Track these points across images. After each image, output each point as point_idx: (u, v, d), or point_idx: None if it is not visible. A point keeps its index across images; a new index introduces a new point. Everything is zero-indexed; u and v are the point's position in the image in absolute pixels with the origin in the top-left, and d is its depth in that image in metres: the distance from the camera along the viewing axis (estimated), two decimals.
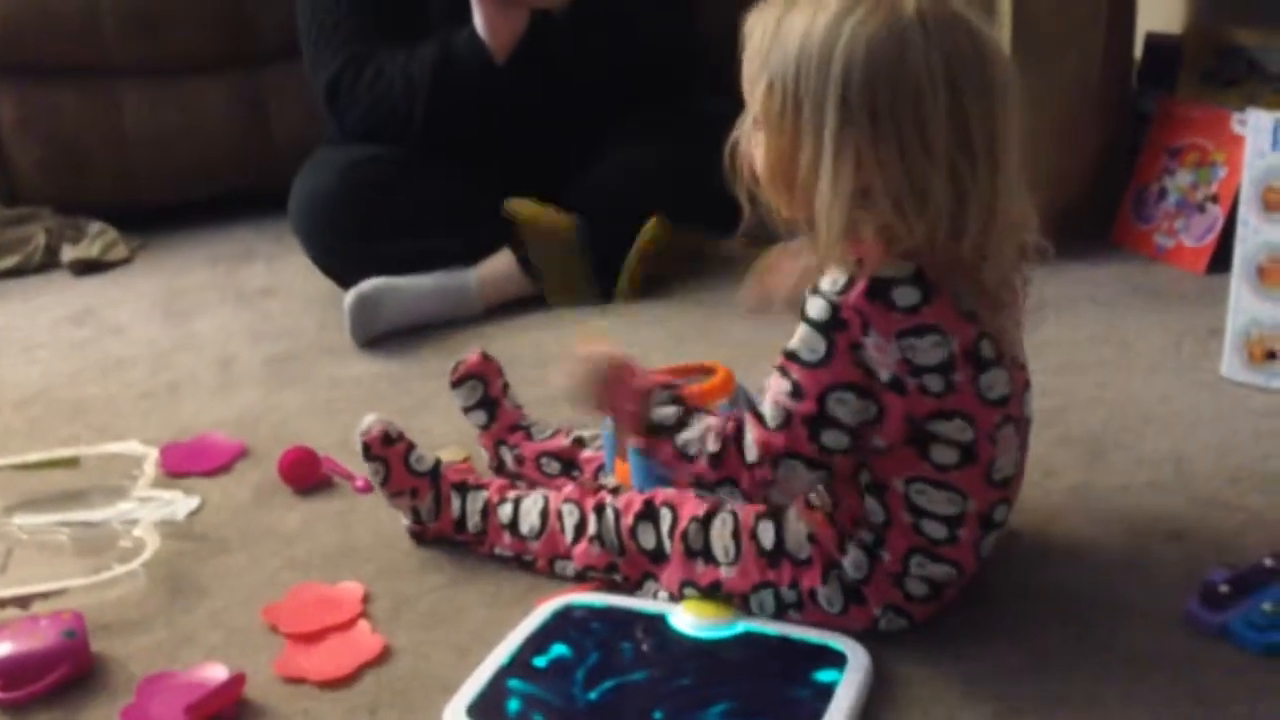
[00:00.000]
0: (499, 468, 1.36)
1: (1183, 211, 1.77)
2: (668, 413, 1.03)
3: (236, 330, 1.85)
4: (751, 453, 0.98)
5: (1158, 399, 1.41)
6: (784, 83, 0.95)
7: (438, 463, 1.24)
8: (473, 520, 1.22)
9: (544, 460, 1.33)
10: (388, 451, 1.22)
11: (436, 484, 1.23)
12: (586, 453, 1.32)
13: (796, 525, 1.05)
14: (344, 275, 1.82)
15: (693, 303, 1.81)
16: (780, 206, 1.01)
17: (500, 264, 1.82)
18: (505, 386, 1.37)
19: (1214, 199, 1.73)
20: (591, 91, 1.84)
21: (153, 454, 1.39)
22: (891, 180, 0.93)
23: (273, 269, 2.08)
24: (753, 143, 1.01)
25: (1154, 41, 1.94)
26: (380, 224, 1.80)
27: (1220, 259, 1.71)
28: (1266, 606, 1.00)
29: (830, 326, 0.95)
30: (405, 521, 1.26)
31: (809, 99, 0.94)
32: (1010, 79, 0.96)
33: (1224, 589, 1.02)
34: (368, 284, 1.74)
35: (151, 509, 1.30)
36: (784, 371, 0.97)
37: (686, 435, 1.02)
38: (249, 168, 2.32)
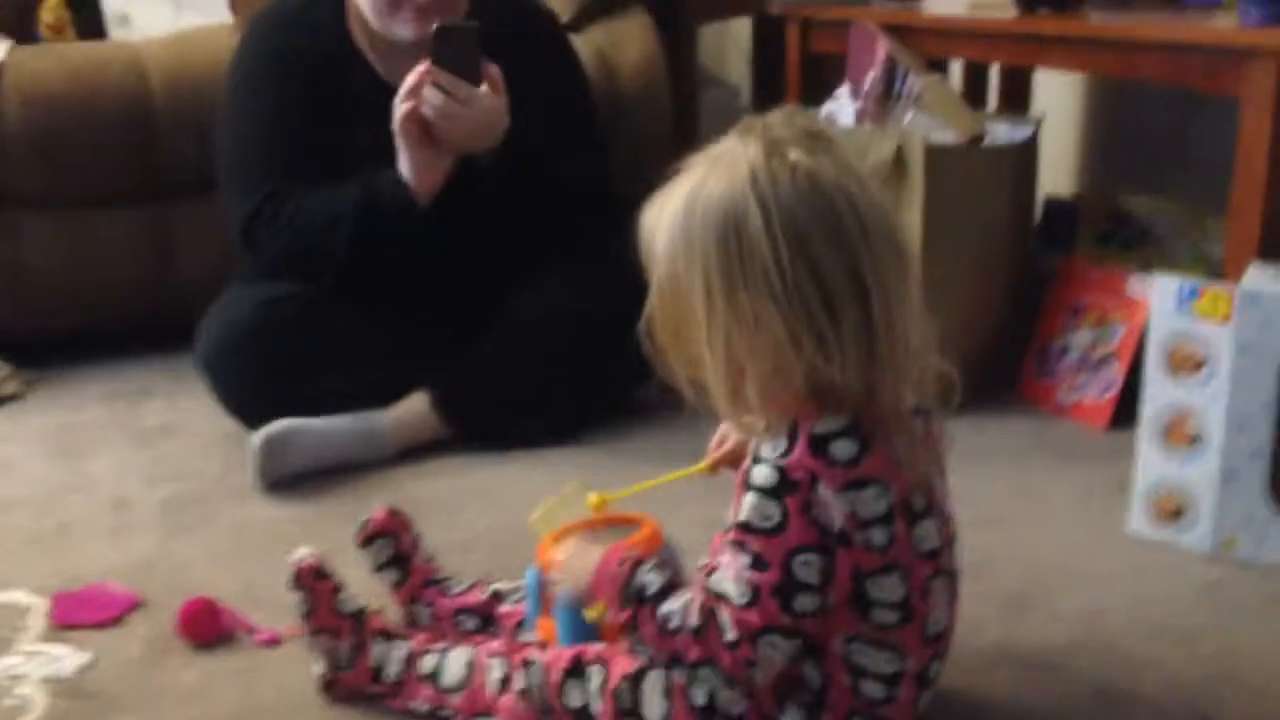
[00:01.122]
0: (412, 624, 1.31)
1: (1083, 368, 1.82)
2: (650, 579, 1.01)
3: (132, 470, 1.78)
4: (730, 632, 0.97)
5: (1071, 554, 1.43)
6: (661, 266, 0.99)
7: (363, 609, 1.20)
8: (392, 669, 1.17)
9: (461, 617, 1.28)
10: (317, 585, 1.18)
11: (360, 629, 1.18)
12: (504, 607, 1.28)
13: (704, 673, 1.02)
14: (252, 414, 1.76)
15: (608, 451, 1.79)
16: (686, 373, 1.01)
17: (413, 406, 1.79)
18: (416, 540, 1.33)
19: (1114, 356, 1.79)
20: (512, 233, 1.84)
21: (40, 604, 1.31)
22: (762, 333, 0.94)
23: (173, 406, 2.02)
24: (657, 330, 1.02)
25: (1052, 205, 2.03)
26: (294, 361, 1.76)
27: (1121, 415, 1.76)
28: None
29: (780, 491, 0.95)
30: (317, 669, 1.20)
31: (680, 282, 0.97)
32: (876, 218, 0.96)
33: None
34: (277, 425, 1.69)
35: (38, 664, 1.22)
36: (740, 545, 0.96)
37: (669, 607, 1.00)
38: (152, 302, 2.25)
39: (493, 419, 1.81)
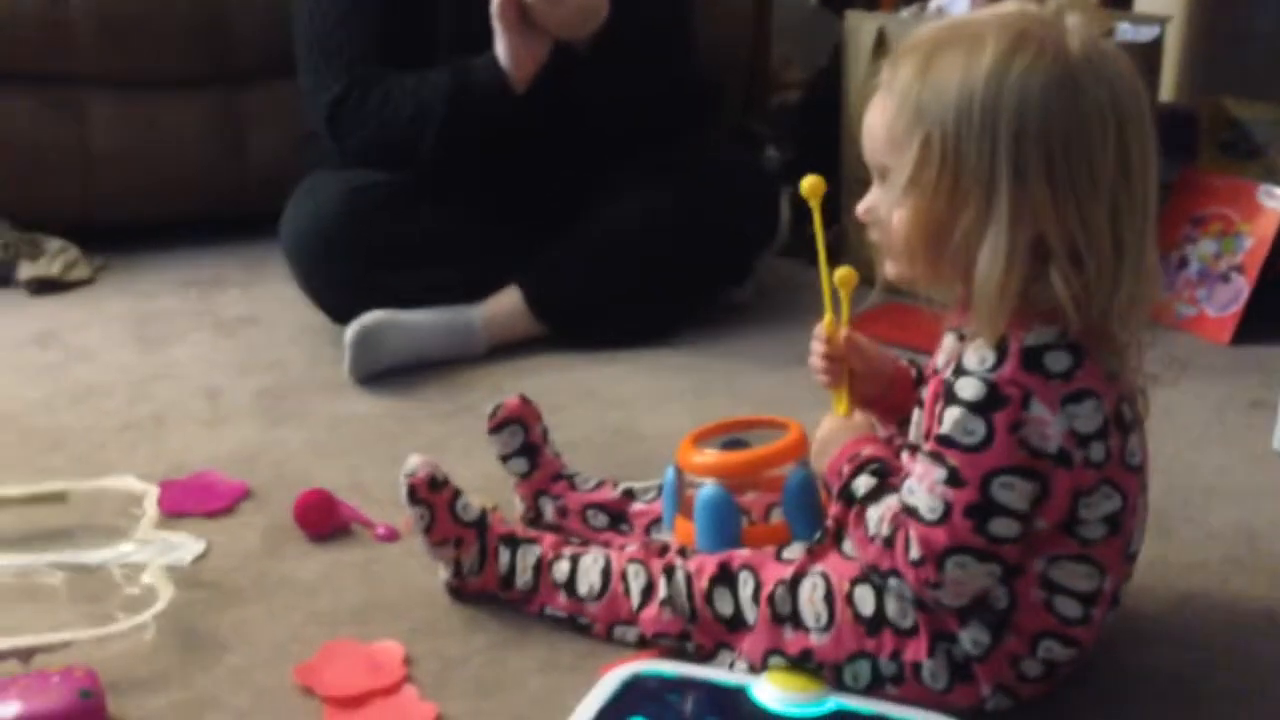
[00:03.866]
0: (534, 520, 1.26)
1: (1205, 281, 1.75)
2: (862, 482, 0.96)
3: (219, 360, 1.72)
4: (915, 549, 0.91)
5: (1214, 471, 1.38)
6: (943, 137, 0.88)
7: (485, 512, 1.15)
8: (523, 577, 1.12)
9: (590, 513, 1.24)
10: (433, 497, 1.12)
11: (483, 535, 1.13)
12: (637, 506, 1.23)
13: (893, 584, 0.96)
14: (340, 306, 1.70)
15: (705, 353, 1.73)
16: (922, 278, 0.95)
17: (506, 302, 1.73)
18: (545, 432, 1.28)
19: (1239, 269, 1.72)
20: (605, 127, 1.77)
21: (153, 492, 1.26)
22: (1066, 234, 0.87)
23: (250, 297, 1.95)
24: (891, 208, 0.93)
25: (1170, 111, 1.95)
26: (384, 253, 1.69)
27: (1245, 329, 1.69)
28: None
29: (987, 406, 0.88)
30: (443, 575, 1.15)
31: (975, 153, 0.87)
32: (1153, 120, 0.91)
33: None
34: (370, 317, 1.63)
35: (155, 552, 1.18)
36: (937, 457, 0.90)
37: (872, 512, 0.94)
38: (221, 191, 2.18)
39: (587, 318, 1.75)
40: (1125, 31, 1.80)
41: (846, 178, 1.98)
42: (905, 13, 1.90)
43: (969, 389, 0.89)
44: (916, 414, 1.01)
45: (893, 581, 0.94)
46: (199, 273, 2.06)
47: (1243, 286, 1.71)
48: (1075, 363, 0.89)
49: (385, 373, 1.64)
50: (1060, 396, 0.88)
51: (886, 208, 0.94)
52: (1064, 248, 0.87)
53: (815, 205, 1.07)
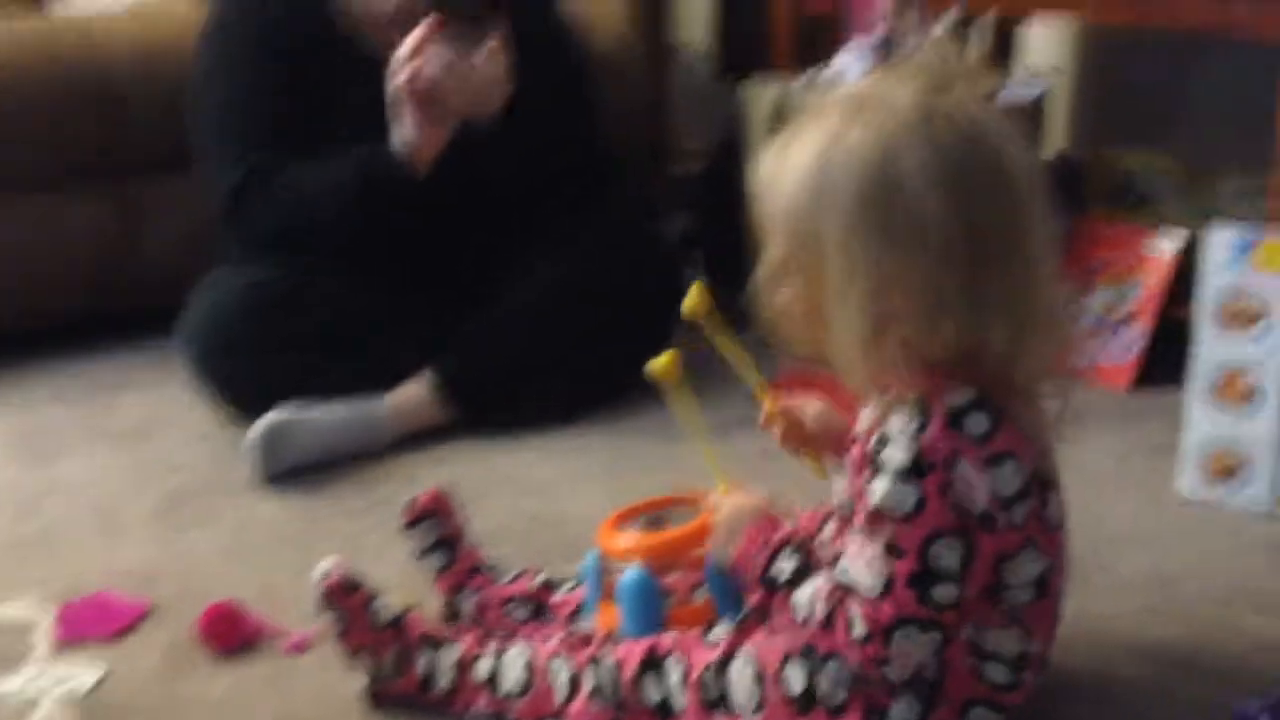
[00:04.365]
0: (454, 615, 1.22)
1: (1101, 329, 1.79)
2: (784, 566, 0.94)
3: (113, 470, 1.66)
4: (858, 627, 0.89)
5: (1122, 519, 1.39)
6: (791, 222, 0.91)
7: (402, 613, 1.11)
8: (444, 678, 1.08)
9: (510, 606, 1.20)
10: (347, 601, 1.08)
11: (401, 637, 1.10)
12: (558, 596, 1.20)
13: (831, 666, 0.95)
14: (242, 405, 1.66)
15: (622, 430, 1.71)
16: (816, 350, 0.95)
17: (412, 392, 1.70)
18: (462, 524, 1.25)
19: (1133, 317, 1.76)
20: (510, 202, 1.76)
21: (44, 619, 1.20)
22: (908, 292, 0.88)
23: (146, 401, 1.89)
24: (778, 292, 0.95)
25: (1057, 162, 2.00)
26: (286, 348, 1.66)
27: (1142, 376, 1.73)
28: None
29: (915, 472, 0.88)
30: (361, 681, 1.11)
31: (812, 237, 0.90)
32: (1029, 170, 0.91)
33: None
34: (273, 416, 1.59)
35: (50, 682, 1.12)
36: (871, 532, 0.89)
37: (800, 595, 0.93)
38: (114, 289, 2.12)
39: (499, 400, 1.72)
40: (1012, 91, 1.84)
41: (753, 243, 1.99)
42: (801, 80, 1.93)
43: (895, 456, 0.89)
44: (840, 478, 1.00)
45: (831, 664, 0.92)
46: (90, 379, 1.98)
47: (1137, 334, 1.74)
48: (994, 424, 0.89)
49: (292, 471, 1.60)
50: (983, 458, 0.88)
51: (768, 288, 0.96)
52: (909, 308, 0.88)
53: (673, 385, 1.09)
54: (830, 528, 1.04)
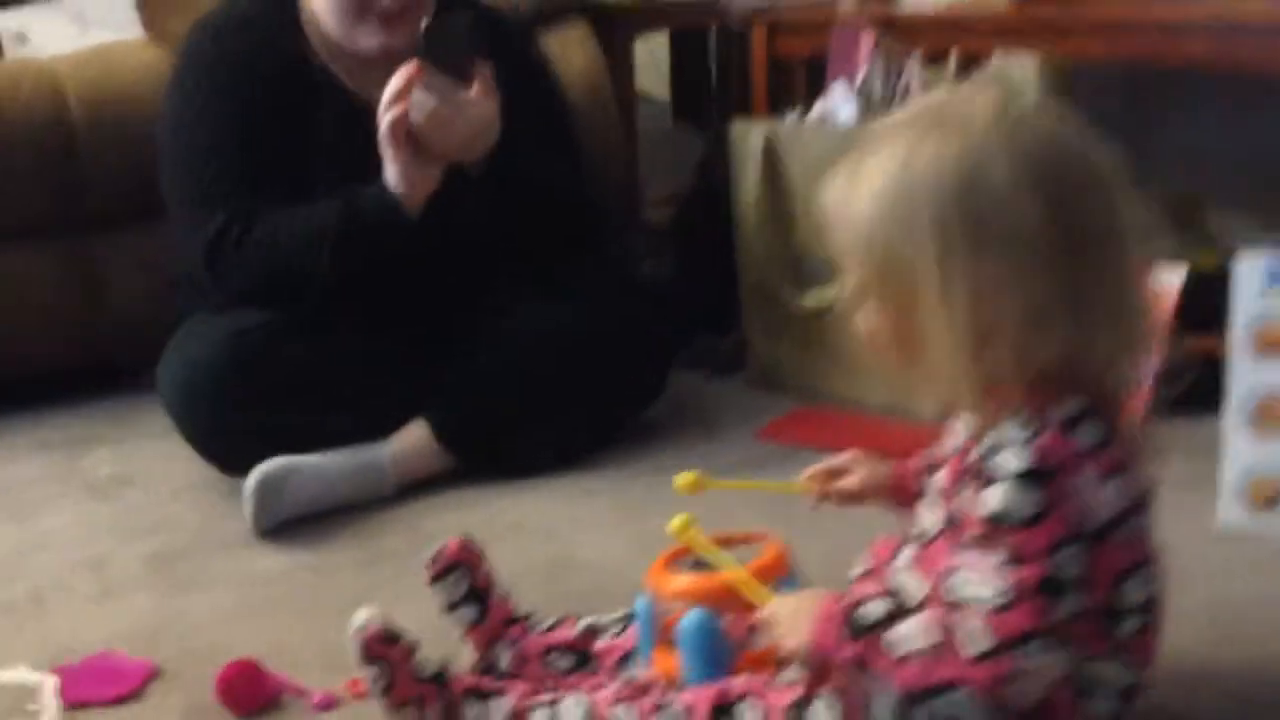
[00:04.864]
0: (488, 670, 1.15)
1: None
2: (871, 609, 0.89)
3: (98, 527, 1.57)
4: (983, 642, 0.84)
5: (1171, 552, 1.35)
6: (874, 245, 0.88)
7: (445, 668, 1.04)
8: None
9: (552, 655, 1.13)
10: (389, 652, 1.01)
11: (445, 692, 1.02)
12: (601, 643, 1.13)
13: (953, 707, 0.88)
14: (230, 456, 1.58)
15: (626, 472, 1.66)
16: (909, 377, 0.92)
17: (414, 438, 1.63)
18: (491, 573, 1.18)
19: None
20: (498, 247, 1.70)
21: (50, 681, 1.11)
22: (1011, 302, 0.85)
23: (121, 455, 1.80)
24: (863, 318, 0.92)
25: None
26: (275, 396, 1.58)
27: (1155, 408, 1.71)
28: None
29: (1037, 476, 0.84)
30: None
31: (902, 254, 0.87)
32: (1116, 172, 0.89)
33: None
34: (271, 464, 1.51)
35: None
36: (989, 541, 0.85)
37: (899, 631, 0.87)
38: (79, 343, 2.02)
39: (500, 445, 1.66)
40: None
41: (743, 285, 1.97)
42: (789, 119, 1.91)
43: (1012, 462, 0.85)
44: (927, 499, 0.97)
45: (940, 702, 0.87)
46: (60, 433, 1.89)
47: (1150, 365, 1.73)
48: (1106, 434, 0.86)
49: (289, 523, 1.52)
50: (1102, 467, 0.85)
51: (856, 317, 0.93)
52: (1011, 322, 0.85)
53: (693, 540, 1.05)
54: (906, 553, 0.99)
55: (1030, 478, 0.84)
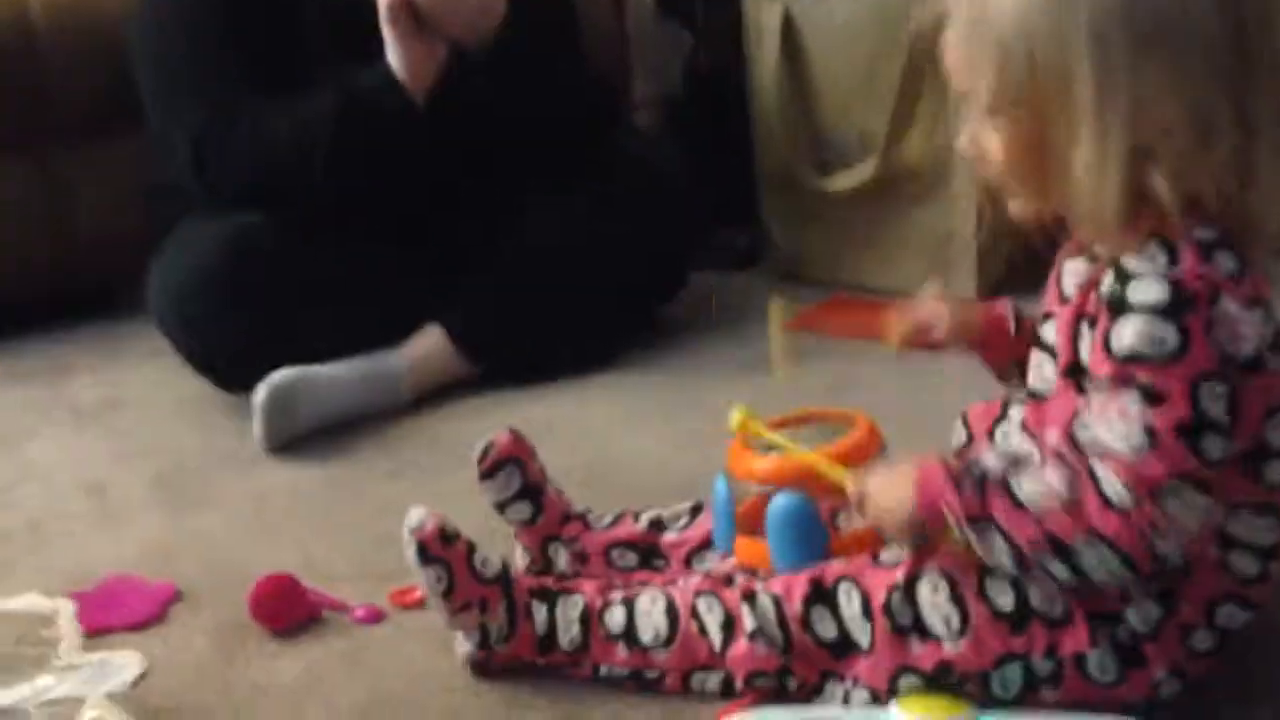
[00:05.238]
0: (544, 571, 1.06)
1: None
2: (990, 463, 0.80)
3: (90, 452, 1.45)
4: (1117, 491, 0.75)
5: None
6: (1017, 50, 0.77)
7: (508, 566, 0.95)
8: (568, 634, 0.92)
9: (615, 552, 1.05)
10: (448, 552, 0.91)
11: (509, 592, 0.93)
12: (669, 536, 1.05)
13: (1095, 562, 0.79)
14: (233, 370, 1.46)
15: (645, 374, 1.56)
16: (1032, 202, 0.83)
17: (429, 344, 1.52)
18: (543, 468, 1.09)
19: None
20: (507, 137, 1.58)
21: (67, 607, 1.01)
22: (1171, 119, 0.75)
23: (105, 380, 1.68)
24: (985, 136, 0.82)
25: None
26: (279, 300, 1.46)
27: None
28: None
29: (1175, 307, 0.75)
30: (462, 648, 0.95)
31: (1054, 58, 0.77)
32: None
33: None
34: (279, 376, 1.40)
35: (87, 680, 0.93)
36: (1124, 380, 0.76)
37: (1025, 486, 0.78)
38: (47, 266, 1.89)
39: (519, 351, 1.56)
40: None
41: (760, 174, 1.87)
42: None
43: (1147, 292, 0.75)
44: (1037, 357, 0.88)
45: (1072, 559, 0.78)
46: (37, 362, 1.77)
47: None
48: (1242, 264, 0.77)
49: (298, 437, 1.41)
50: (1245, 295, 0.76)
51: (981, 137, 0.83)
52: (1171, 138, 0.76)
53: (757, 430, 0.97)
54: (1017, 411, 0.91)
55: (1169, 308, 0.75)
